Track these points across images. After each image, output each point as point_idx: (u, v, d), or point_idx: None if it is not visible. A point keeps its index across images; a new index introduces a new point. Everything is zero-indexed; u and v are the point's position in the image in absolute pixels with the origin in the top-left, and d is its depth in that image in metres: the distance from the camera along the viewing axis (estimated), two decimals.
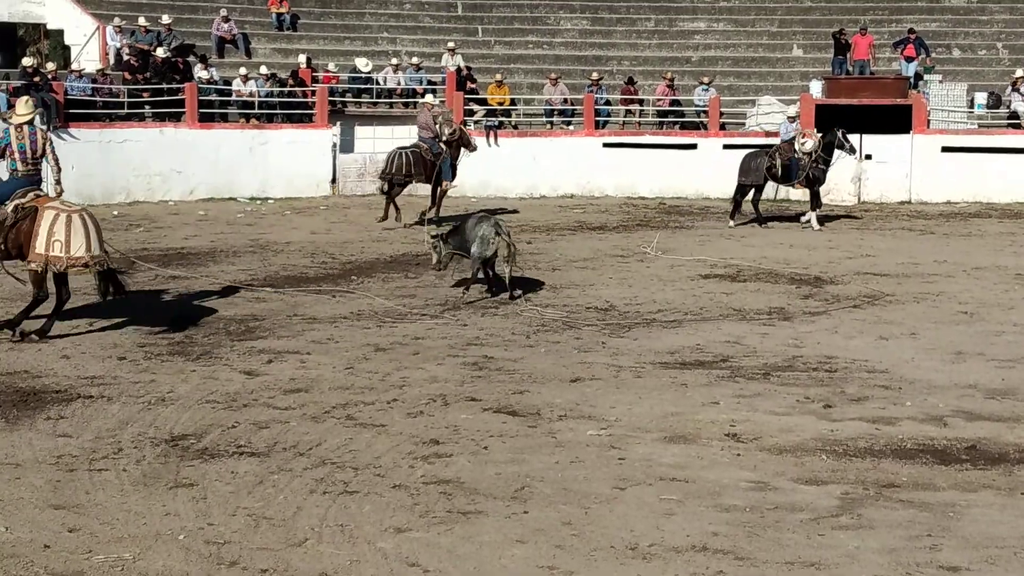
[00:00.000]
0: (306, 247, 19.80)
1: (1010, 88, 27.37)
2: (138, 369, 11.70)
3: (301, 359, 12.13)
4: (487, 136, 26.80)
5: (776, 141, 24.14)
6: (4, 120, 23.16)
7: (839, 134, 22.74)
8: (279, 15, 30.20)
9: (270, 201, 25.69)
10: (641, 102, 28.44)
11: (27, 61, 25.26)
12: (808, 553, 7.28)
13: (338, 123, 26.88)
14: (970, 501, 8.19)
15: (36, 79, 24.26)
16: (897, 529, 7.67)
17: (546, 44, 31.35)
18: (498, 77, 28.39)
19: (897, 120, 26.48)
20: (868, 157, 26.22)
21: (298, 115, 26.96)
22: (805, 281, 16.93)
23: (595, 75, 28.27)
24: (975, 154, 26.49)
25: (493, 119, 27.58)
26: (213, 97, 26.54)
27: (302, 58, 28.13)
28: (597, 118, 27.73)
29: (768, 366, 11.96)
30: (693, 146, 27.40)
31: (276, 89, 26.96)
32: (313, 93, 27.01)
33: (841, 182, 25.41)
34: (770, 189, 24.56)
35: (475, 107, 27.58)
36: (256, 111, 26.52)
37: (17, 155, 12.80)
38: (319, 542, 7.39)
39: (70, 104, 24.67)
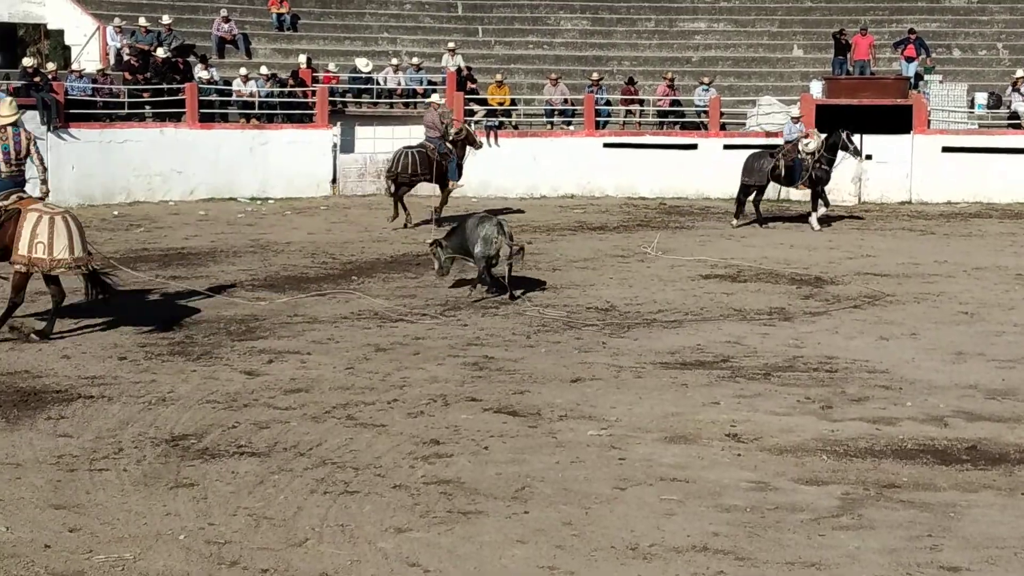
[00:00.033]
0: (306, 247, 19.80)
1: (1010, 88, 27.36)
2: (139, 369, 11.70)
3: (302, 359, 12.13)
4: (487, 136, 26.80)
5: (779, 141, 24.14)
6: None
7: (843, 135, 22.68)
8: (279, 15, 30.20)
9: (270, 201, 25.70)
10: (641, 102, 28.44)
11: (27, 61, 25.27)
12: (809, 553, 7.28)
13: (338, 123, 26.88)
14: (971, 501, 8.20)
15: (36, 79, 24.28)
16: (898, 529, 7.67)
17: (546, 44, 31.35)
18: (498, 77, 28.39)
19: (897, 120, 26.48)
20: (868, 157, 26.18)
21: (298, 115, 26.96)
22: (806, 281, 16.93)
23: (595, 75, 28.27)
24: (975, 154, 26.49)
25: (493, 119, 27.58)
26: (213, 97, 26.54)
27: (302, 58, 28.13)
28: (597, 118, 27.72)
29: (769, 366, 11.96)
30: (693, 146, 27.40)
31: (276, 89, 26.96)
32: (313, 93, 27.02)
33: (842, 182, 25.36)
34: (772, 189, 24.54)
35: (475, 107, 27.59)
36: (256, 111, 26.52)
37: (0, 156, 12.79)
38: (320, 542, 7.40)
39: (70, 104, 24.68)
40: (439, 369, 11.77)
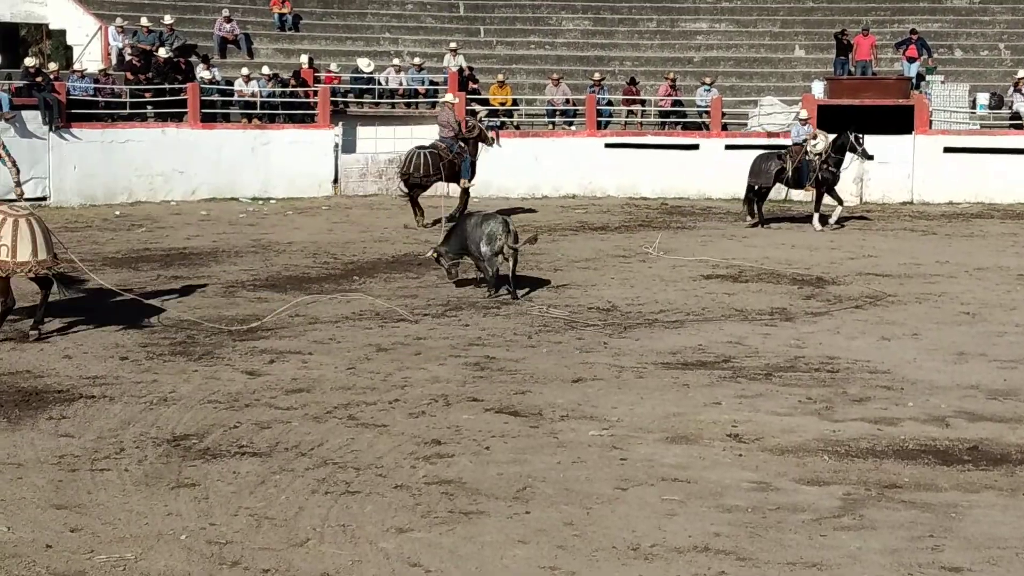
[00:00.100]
0: (308, 247, 19.80)
1: (1012, 89, 27.35)
2: (140, 369, 11.70)
3: (303, 359, 12.13)
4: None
5: (782, 142, 24.08)
6: (5, 120, 23.29)
7: (852, 136, 22.59)
8: (281, 15, 30.20)
9: (272, 201, 25.70)
10: (643, 102, 28.44)
11: (29, 61, 25.31)
12: (810, 554, 7.27)
13: (340, 123, 26.89)
14: (972, 502, 8.19)
15: (38, 79, 24.30)
16: (899, 530, 7.67)
17: (548, 44, 31.35)
18: (500, 77, 28.39)
19: (899, 121, 26.46)
20: (870, 157, 26.18)
21: (300, 115, 26.97)
22: (807, 282, 16.92)
23: (597, 75, 28.27)
24: (977, 155, 26.48)
25: (495, 119, 27.57)
26: (215, 97, 26.56)
27: (304, 58, 28.13)
28: (599, 118, 27.72)
29: (770, 366, 11.95)
30: (695, 146, 27.39)
31: (278, 89, 26.97)
32: (315, 93, 27.02)
33: (843, 182, 25.34)
34: (777, 190, 24.49)
35: (477, 107, 27.58)
36: (258, 111, 26.52)
37: None
38: (321, 542, 7.40)
39: (72, 104, 24.67)
40: (440, 369, 11.77)
